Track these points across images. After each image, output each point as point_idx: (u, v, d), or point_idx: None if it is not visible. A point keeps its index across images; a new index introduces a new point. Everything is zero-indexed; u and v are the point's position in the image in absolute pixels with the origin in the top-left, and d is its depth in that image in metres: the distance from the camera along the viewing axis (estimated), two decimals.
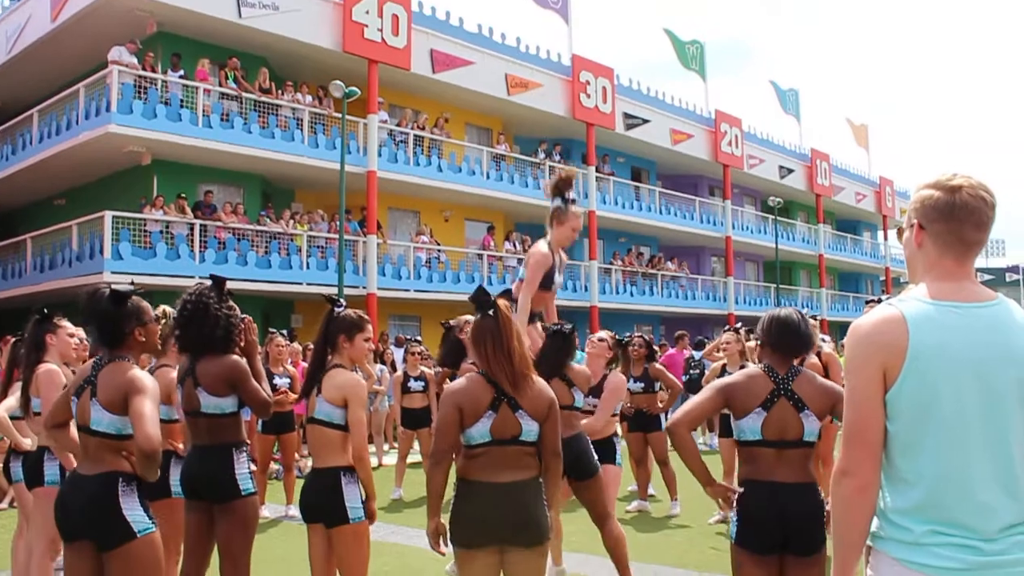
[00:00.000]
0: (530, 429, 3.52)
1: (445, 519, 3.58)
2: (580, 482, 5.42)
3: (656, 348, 13.91)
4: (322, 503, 3.99)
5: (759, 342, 3.85)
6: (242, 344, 4.39)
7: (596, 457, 5.51)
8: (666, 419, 9.12)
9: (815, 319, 8.10)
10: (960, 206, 2.12)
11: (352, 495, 3.97)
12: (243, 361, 4.28)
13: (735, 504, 3.58)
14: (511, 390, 3.49)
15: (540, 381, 3.66)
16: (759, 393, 3.57)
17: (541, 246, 5.23)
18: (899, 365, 2.04)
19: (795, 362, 3.75)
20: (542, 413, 3.56)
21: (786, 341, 3.70)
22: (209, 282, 4.36)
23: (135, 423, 3.38)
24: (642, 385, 8.87)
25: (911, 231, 2.21)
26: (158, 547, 3.56)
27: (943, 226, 2.14)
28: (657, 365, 9.16)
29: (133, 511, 3.48)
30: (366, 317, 4.31)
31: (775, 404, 3.54)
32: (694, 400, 3.64)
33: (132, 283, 3.88)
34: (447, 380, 10.22)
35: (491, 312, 3.58)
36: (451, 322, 6.76)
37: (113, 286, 3.72)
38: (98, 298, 3.68)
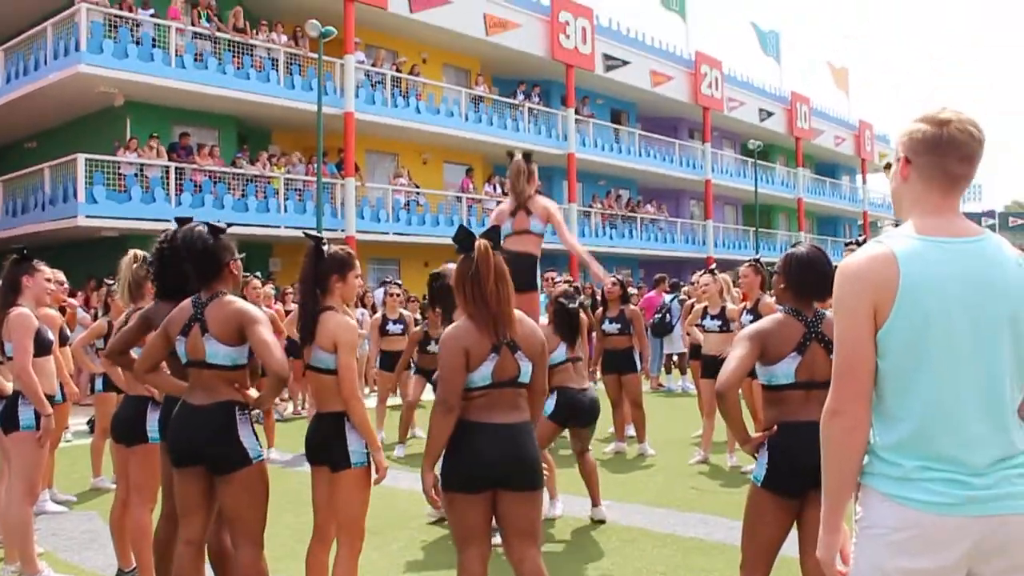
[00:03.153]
0: (527, 371, 3.51)
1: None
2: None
3: (635, 290, 14.02)
4: (326, 447, 3.92)
5: (780, 285, 3.74)
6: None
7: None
8: (641, 361, 9.18)
9: (758, 263, 8.12)
10: (947, 139, 2.11)
11: (354, 440, 3.88)
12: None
13: (763, 447, 3.53)
14: (500, 332, 3.45)
15: (529, 321, 3.62)
16: (792, 337, 3.53)
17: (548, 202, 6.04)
18: (890, 302, 2.04)
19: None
20: (536, 354, 3.55)
21: (809, 283, 3.62)
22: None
23: (263, 352, 3.60)
24: (618, 327, 8.88)
25: (897, 164, 2.20)
26: (266, 472, 3.79)
27: (929, 158, 2.12)
28: (632, 307, 9.19)
29: (248, 437, 3.71)
30: (353, 252, 4.16)
31: (808, 348, 3.51)
32: (734, 356, 3.51)
33: (219, 221, 4.01)
34: (438, 324, 10.22)
35: (471, 254, 3.50)
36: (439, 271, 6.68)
37: (208, 222, 3.90)
38: (197, 234, 3.85)
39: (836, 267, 3.77)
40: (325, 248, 4.03)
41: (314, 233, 4.15)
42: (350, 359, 3.86)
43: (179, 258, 4.07)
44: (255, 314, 3.70)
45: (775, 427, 3.53)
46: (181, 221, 4.15)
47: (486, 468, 3.40)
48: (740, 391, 3.73)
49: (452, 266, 5.35)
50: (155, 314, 4.22)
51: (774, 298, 4.78)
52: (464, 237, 3.56)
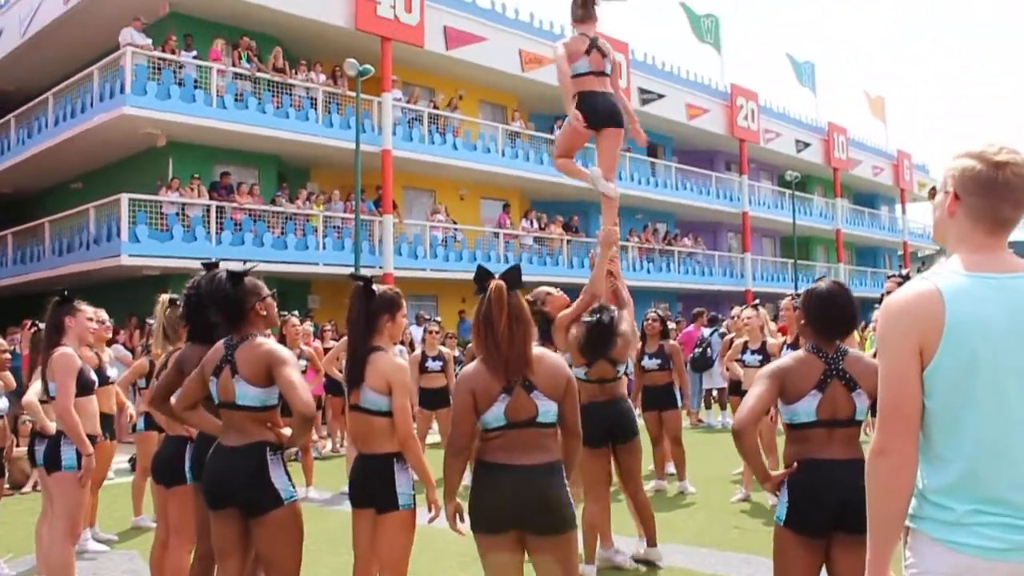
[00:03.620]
0: (547, 410, 3.41)
1: (463, 503, 3.53)
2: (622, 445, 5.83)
3: (673, 325, 13.91)
4: (373, 488, 3.92)
5: (800, 320, 3.72)
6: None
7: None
8: (681, 397, 9.08)
9: (756, 307, 8.09)
10: (1003, 183, 2.06)
11: (404, 481, 3.91)
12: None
13: (784, 486, 3.48)
14: (512, 373, 3.38)
15: (554, 357, 3.56)
16: (812, 375, 3.49)
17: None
18: (936, 340, 1.99)
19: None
20: (559, 392, 3.45)
21: (829, 320, 3.59)
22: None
23: (288, 392, 3.63)
24: (657, 362, 8.80)
25: (945, 196, 2.14)
26: (300, 513, 3.80)
27: (981, 200, 2.07)
28: (672, 342, 9.12)
29: (280, 479, 3.72)
30: (400, 291, 4.20)
31: (828, 385, 3.47)
32: (753, 394, 3.49)
33: (244, 263, 4.13)
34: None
35: (486, 295, 3.45)
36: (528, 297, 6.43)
37: (228, 267, 3.97)
38: (217, 281, 3.91)
39: (855, 299, 3.75)
40: (375, 288, 4.05)
41: (361, 274, 4.17)
42: (404, 400, 3.88)
43: (205, 303, 4.17)
44: (282, 355, 3.74)
45: (795, 464, 3.48)
46: (207, 267, 4.24)
47: (503, 510, 3.34)
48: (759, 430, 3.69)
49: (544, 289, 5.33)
50: (188, 357, 4.32)
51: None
52: (481, 277, 3.52)
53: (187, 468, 4.40)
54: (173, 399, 4.22)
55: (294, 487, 3.80)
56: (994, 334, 1.98)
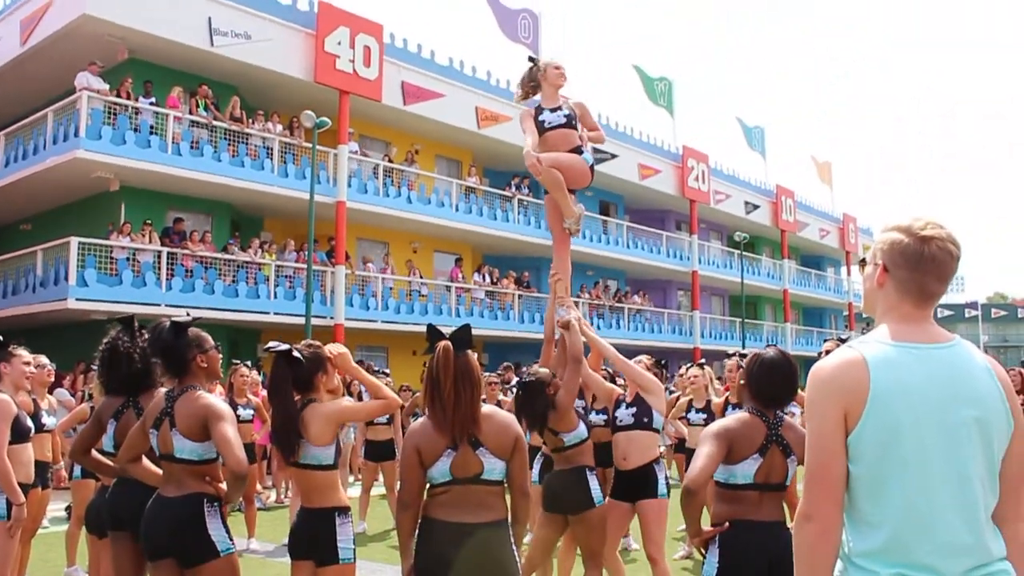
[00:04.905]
0: (493, 467, 3.39)
1: None
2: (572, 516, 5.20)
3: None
4: (314, 542, 3.92)
5: (743, 383, 3.79)
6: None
7: (597, 490, 5.18)
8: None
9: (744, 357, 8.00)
10: (928, 258, 2.13)
11: (345, 535, 3.94)
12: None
13: (714, 544, 3.54)
14: (457, 432, 3.37)
15: (503, 415, 3.55)
16: (756, 439, 3.57)
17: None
18: (860, 407, 2.05)
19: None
20: (506, 450, 3.42)
21: (771, 387, 3.68)
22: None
23: (223, 448, 3.63)
24: (603, 418, 8.84)
25: (874, 269, 2.22)
26: (237, 566, 3.82)
27: (908, 274, 2.15)
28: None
29: (217, 530, 3.74)
30: (320, 349, 4.20)
31: (768, 450, 3.56)
32: (704, 453, 3.50)
33: (188, 314, 4.11)
34: (417, 408, 10.21)
35: (434, 354, 3.45)
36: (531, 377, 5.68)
37: (173, 318, 3.95)
38: (160, 331, 3.91)
39: (798, 371, 3.82)
40: (296, 353, 4.06)
41: (278, 347, 4.08)
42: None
43: (120, 356, 4.31)
44: (218, 410, 3.74)
45: (727, 524, 3.54)
46: (124, 321, 4.40)
47: (445, 568, 3.28)
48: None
49: (543, 370, 5.24)
50: (103, 411, 4.40)
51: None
52: (431, 336, 3.51)
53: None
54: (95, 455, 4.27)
55: (231, 539, 3.80)
56: (917, 402, 2.03)
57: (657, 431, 5.70)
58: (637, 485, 5.59)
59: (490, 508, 3.39)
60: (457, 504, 3.35)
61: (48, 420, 6.58)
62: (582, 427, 5.24)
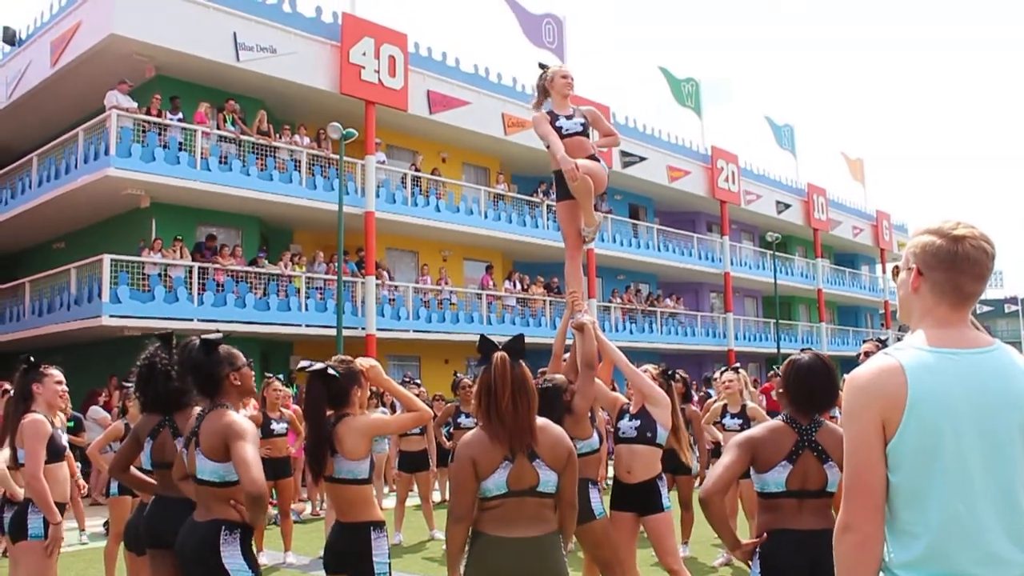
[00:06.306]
0: (548, 479, 3.38)
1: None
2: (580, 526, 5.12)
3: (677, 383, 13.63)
4: (350, 557, 3.90)
5: (779, 389, 3.73)
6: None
7: (598, 502, 5.21)
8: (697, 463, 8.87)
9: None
10: (962, 257, 2.09)
11: (380, 550, 3.91)
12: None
13: (756, 555, 3.48)
14: (515, 443, 3.35)
15: (556, 428, 3.54)
16: (784, 446, 3.50)
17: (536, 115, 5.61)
18: (899, 415, 2.01)
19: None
20: (560, 463, 3.42)
21: (807, 393, 3.60)
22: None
23: (239, 469, 3.49)
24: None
25: (908, 274, 2.18)
26: None
27: (943, 275, 2.11)
28: (692, 407, 8.96)
29: (232, 559, 3.59)
30: (354, 365, 4.19)
31: (800, 456, 3.48)
32: (723, 463, 3.50)
33: (218, 331, 4.02)
34: (449, 418, 10.09)
35: (490, 367, 3.44)
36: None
37: (203, 335, 3.87)
38: (190, 349, 3.84)
39: (836, 375, 3.74)
40: (331, 371, 4.04)
41: (312, 365, 4.06)
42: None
43: (157, 373, 4.26)
44: (239, 428, 3.62)
45: (766, 534, 3.48)
46: (163, 338, 4.33)
47: None
48: (740, 494, 3.63)
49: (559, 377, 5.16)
50: (141, 428, 4.38)
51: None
52: (485, 347, 3.49)
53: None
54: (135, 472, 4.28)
55: (251, 567, 3.67)
56: (956, 409, 1.99)
57: (660, 447, 5.62)
58: (641, 499, 5.56)
59: (544, 520, 3.39)
60: (511, 518, 3.33)
61: (68, 438, 6.57)
62: (595, 437, 5.28)
